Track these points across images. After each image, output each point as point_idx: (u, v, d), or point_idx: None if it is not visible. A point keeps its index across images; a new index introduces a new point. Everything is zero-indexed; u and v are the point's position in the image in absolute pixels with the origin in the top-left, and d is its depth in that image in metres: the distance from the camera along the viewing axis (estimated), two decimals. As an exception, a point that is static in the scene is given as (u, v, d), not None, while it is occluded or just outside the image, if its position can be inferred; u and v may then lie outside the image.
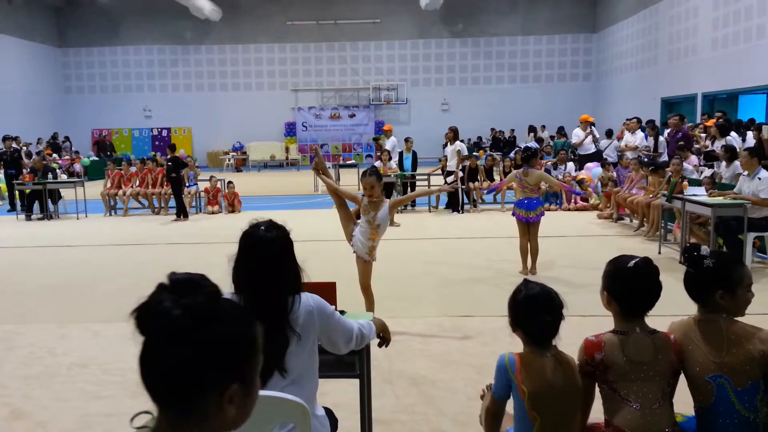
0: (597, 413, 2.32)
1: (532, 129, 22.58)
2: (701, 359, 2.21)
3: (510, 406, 2.31)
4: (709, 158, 9.80)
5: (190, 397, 1.02)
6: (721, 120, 11.10)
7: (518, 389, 2.18)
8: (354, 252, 4.89)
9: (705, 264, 2.25)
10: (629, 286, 2.23)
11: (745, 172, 7.20)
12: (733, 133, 10.42)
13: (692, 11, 16.65)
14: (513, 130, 24.18)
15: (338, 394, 3.57)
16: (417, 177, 13.15)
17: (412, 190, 13.01)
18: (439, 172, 12.90)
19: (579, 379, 2.22)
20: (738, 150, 8.74)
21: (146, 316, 1.03)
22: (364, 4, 25.60)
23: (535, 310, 2.21)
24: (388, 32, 26.05)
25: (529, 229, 6.82)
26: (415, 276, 7.01)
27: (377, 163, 13.20)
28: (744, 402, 2.15)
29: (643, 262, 2.25)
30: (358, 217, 4.93)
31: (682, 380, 2.33)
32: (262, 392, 1.21)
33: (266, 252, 2.21)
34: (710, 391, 2.18)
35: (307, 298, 2.30)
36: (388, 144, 13.17)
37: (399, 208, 12.23)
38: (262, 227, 2.26)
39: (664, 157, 11.80)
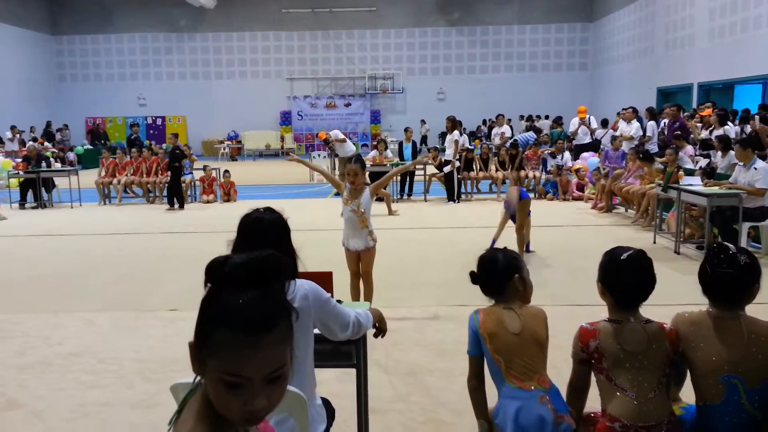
0: (594, 402, 2.33)
1: (529, 118, 22.57)
2: (714, 357, 2.15)
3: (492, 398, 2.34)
4: (706, 147, 9.81)
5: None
6: (716, 110, 11.11)
7: (482, 338, 2.40)
8: (347, 248, 4.91)
9: (742, 261, 2.18)
10: (622, 277, 2.25)
11: (741, 163, 7.20)
12: (730, 123, 10.43)
13: (689, 1, 16.61)
14: (509, 120, 24.12)
15: (334, 383, 3.57)
16: (416, 166, 13.09)
17: (411, 179, 13.00)
18: (431, 161, 12.87)
19: (541, 328, 2.41)
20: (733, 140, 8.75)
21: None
22: (360, -8, 25.47)
23: (484, 269, 2.51)
24: (384, 20, 25.90)
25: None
26: (411, 265, 7.01)
27: (373, 153, 13.17)
28: (754, 402, 2.11)
29: (636, 255, 2.26)
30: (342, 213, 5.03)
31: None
32: None
33: (265, 232, 2.29)
34: (720, 391, 2.14)
35: (303, 284, 2.33)
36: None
37: (394, 198, 12.22)
38: (261, 210, 2.37)
39: (652, 143, 11.82)
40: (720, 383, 2.13)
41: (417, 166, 12.74)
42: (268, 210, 2.37)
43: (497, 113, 15.93)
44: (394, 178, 13.07)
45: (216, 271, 1.07)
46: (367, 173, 6.67)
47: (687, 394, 2.39)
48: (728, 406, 2.12)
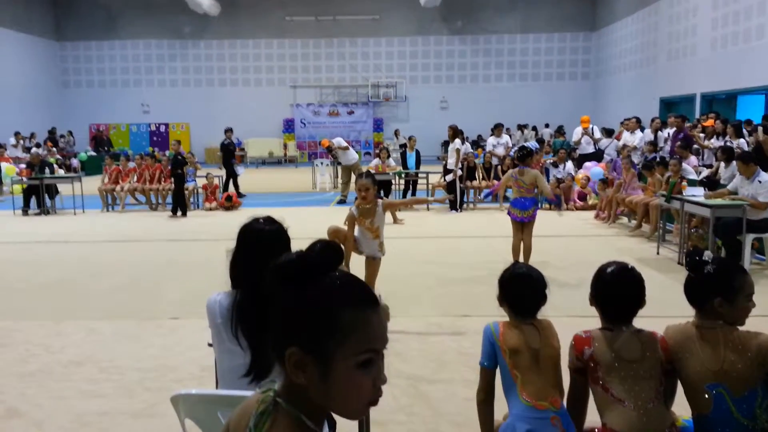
0: (595, 416, 2.32)
1: (533, 128, 22.62)
2: (698, 367, 2.19)
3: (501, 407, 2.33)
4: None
5: (276, 350, 1.07)
6: (719, 121, 11.12)
7: (501, 350, 2.38)
8: (366, 256, 5.18)
9: (706, 270, 2.23)
10: (607, 292, 2.31)
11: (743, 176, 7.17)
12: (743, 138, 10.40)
13: (692, 11, 16.65)
14: (509, 129, 24.12)
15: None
16: (419, 175, 13.11)
17: (414, 188, 13.02)
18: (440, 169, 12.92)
19: (557, 342, 2.41)
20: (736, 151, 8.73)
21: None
22: (364, 0, 25.55)
23: (518, 285, 2.46)
24: (387, 29, 26.00)
25: (522, 228, 6.84)
26: (413, 275, 6.99)
27: (375, 161, 13.19)
28: (742, 410, 2.13)
29: (618, 269, 2.32)
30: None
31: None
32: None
33: (266, 244, 2.27)
34: (708, 400, 2.16)
35: None
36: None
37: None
38: (261, 221, 2.35)
39: (664, 153, 11.80)
40: (707, 393, 2.15)
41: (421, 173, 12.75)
42: (269, 220, 2.35)
43: (497, 122, 15.45)
44: (399, 182, 13.11)
45: (301, 263, 1.07)
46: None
47: (685, 406, 2.38)
48: (718, 415, 2.14)
